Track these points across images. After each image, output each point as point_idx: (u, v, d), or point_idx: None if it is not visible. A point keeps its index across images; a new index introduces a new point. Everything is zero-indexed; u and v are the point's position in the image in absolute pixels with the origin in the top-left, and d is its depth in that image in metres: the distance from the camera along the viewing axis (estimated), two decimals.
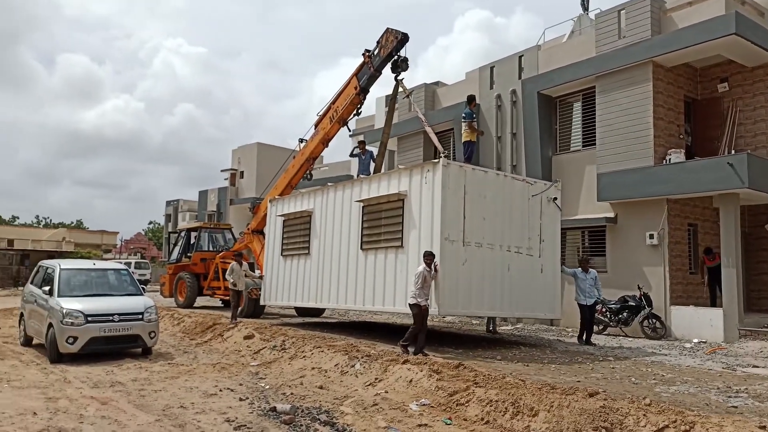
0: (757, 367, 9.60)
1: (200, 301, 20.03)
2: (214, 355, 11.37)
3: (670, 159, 14.08)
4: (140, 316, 10.66)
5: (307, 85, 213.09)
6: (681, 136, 14.94)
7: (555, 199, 12.12)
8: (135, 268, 39.00)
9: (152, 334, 10.87)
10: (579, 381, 7.76)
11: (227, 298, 16.13)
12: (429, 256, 9.77)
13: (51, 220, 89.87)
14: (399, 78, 14.12)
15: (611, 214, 15.12)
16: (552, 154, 17.10)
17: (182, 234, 21.26)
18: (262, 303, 15.62)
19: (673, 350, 11.54)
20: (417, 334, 9.65)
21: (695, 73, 15.73)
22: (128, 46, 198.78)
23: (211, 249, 20.22)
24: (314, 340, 10.86)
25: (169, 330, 14.78)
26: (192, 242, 20.31)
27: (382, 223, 11.56)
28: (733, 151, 14.17)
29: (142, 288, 12.40)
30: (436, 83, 21.87)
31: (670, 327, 13.60)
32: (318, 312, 17.23)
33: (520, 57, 18.12)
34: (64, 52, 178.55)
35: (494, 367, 8.66)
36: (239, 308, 14.89)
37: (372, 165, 15.34)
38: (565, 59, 16.60)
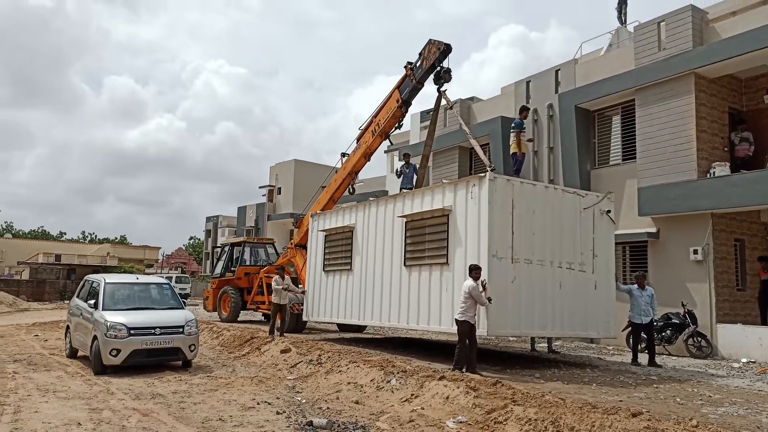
0: None
1: (243, 315, 20.18)
2: (252, 368, 11.49)
3: (714, 172, 13.68)
4: (181, 330, 10.87)
5: (342, 103, 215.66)
6: (726, 149, 14.51)
7: (608, 211, 11.61)
8: (176, 282, 39.87)
9: (192, 347, 11.06)
10: (621, 401, 7.54)
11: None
12: (476, 270, 9.44)
13: (96, 236, 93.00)
14: (442, 89, 13.94)
15: (653, 229, 14.75)
16: (590, 168, 16.84)
17: (226, 248, 21.46)
18: (304, 319, 15.62)
19: (720, 370, 11.11)
20: (467, 353, 9.39)
21: (740, 84, 15.30)
22: (171, 68, 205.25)
23: (254, 263, 20.40)
24: (350, 355, 10.86)
25: (209, 343, 15.01)
26: (236, 257, 20.51)
27: (426, 239, 11.28)
28: None
29: (183, 302, 12.64)
30: (471, 99, 21.88)
31: (716, 346, 13.12)
32: (360, 328, 17.13)
33: (557, 71, 17.99)
34: (110, 75, 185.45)
35: (533, 385, 8.49)
36: (285, 323, 14.88)
37: (415, 178, 15.34)
38: (603, 72, 16.40)
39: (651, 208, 14.45)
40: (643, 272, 12.60)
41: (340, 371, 10.06)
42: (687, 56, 14.12)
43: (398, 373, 9.10)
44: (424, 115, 30.32)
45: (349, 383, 9.39)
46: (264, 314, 19.26)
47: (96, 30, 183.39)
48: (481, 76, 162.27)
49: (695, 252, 13.74)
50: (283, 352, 12.14)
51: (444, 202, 10.94)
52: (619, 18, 20.95)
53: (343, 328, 17.31)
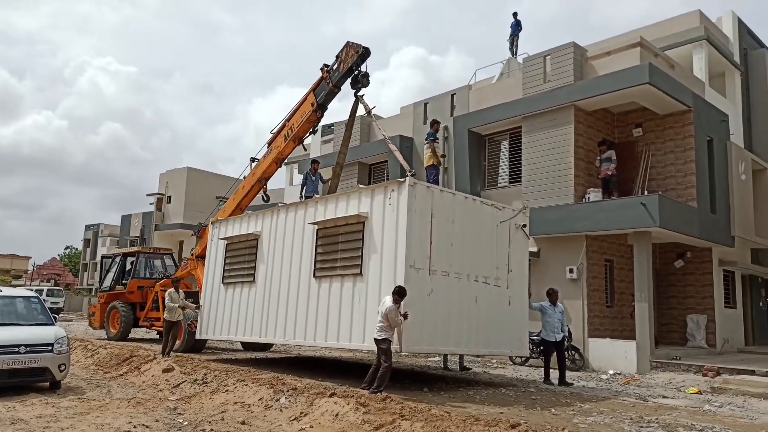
0: (667, 397, 10.13)
1: (135, 333, 18.72)
2: (130, 389, 10.77)
3: (588, 197, 14.86)
4: (50, 348, 9.95)
5: (242, 111, 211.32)
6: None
7: (524, 226, 11.45)
8: (47, 295, 36.67)
9: (62, 367, 10.16)
10: (502, 413, 7.89)
11: None
12: (399, 295, 8.80)
13: None
14: (359, 94, 13.29)
15: (534, 249, 15.67)
16: (480, 189, 17.65)
17: (117, 259, 19.63)
18: (197, 337, 14.53)
19: (591, 381, 11.97)
20: (386, 373, 8.97)
21: (613, 118, 16.81)
22: (53, 63, 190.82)
23: (149, 276, 18.86)
24: (238, 374, 10.51)
25: (82, 362, 13.89)
26: (128, 268, 18.84)
27: (339, 248, 10.56)
28: (645, 192, 15.14)
29: (54, 317, 11.62)
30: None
31: (587, 358, 14.12)
32: (266, 346, 16.19)
33: (453, 95, 18.78)
34: None
35: (421, 399, 8.67)
36: (176, 342, 13.87)
37: (320, 187, 14.97)
38: (495, 99, 17.35)
39: (533, 229, 15.34)
40: (554, 288, 12.10)
41: (226, 390, 9.69)
42: (568, 89, 15.30)
43: (288, 390, 8.93)
44: (325, 129, 30.31)
45: (235, 403, 9.08)
46: (158, 332, 17.86)
47: None
48: (382, 94, 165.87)
49: (571, 271, 14.79)
50: (165, 371, 11.50)
51: (360, 208, 10.30)
52: (511, 49, 22.35)
53: (247, 347, 16.38)
